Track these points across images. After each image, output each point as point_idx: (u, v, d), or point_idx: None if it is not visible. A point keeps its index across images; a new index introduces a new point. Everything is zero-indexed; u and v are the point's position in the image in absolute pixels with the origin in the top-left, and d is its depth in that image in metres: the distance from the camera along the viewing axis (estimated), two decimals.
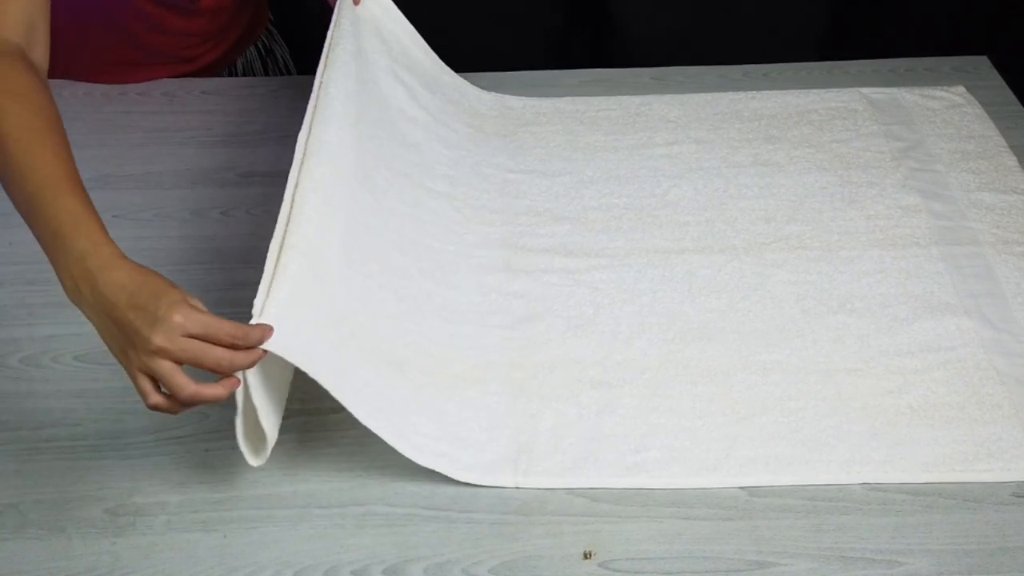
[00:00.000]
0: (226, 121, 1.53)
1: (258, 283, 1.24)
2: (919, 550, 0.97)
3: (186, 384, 0.88)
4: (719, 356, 1.15)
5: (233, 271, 1.27)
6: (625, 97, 1.57)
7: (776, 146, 1.47)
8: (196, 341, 0.88)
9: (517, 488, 1.03)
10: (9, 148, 0.95)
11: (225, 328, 0.89)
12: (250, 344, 0.90)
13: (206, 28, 1.56)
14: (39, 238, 0.95)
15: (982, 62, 1.64)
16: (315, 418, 1.10)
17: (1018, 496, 1.01)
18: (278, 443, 1.07)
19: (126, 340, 0.89)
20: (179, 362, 0.89)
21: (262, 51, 1.71)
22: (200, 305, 0.91)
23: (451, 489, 1.02)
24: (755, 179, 1.40)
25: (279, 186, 1.39)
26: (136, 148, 1.48)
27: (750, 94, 1.57)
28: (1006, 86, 1.58)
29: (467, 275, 1.25)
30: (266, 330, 0.91)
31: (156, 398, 0.90)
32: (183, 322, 0.87)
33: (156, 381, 0.89)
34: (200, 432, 1.09)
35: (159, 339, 0.87)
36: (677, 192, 1.38)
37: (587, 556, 0.97)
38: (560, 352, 1.16)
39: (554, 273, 1.26)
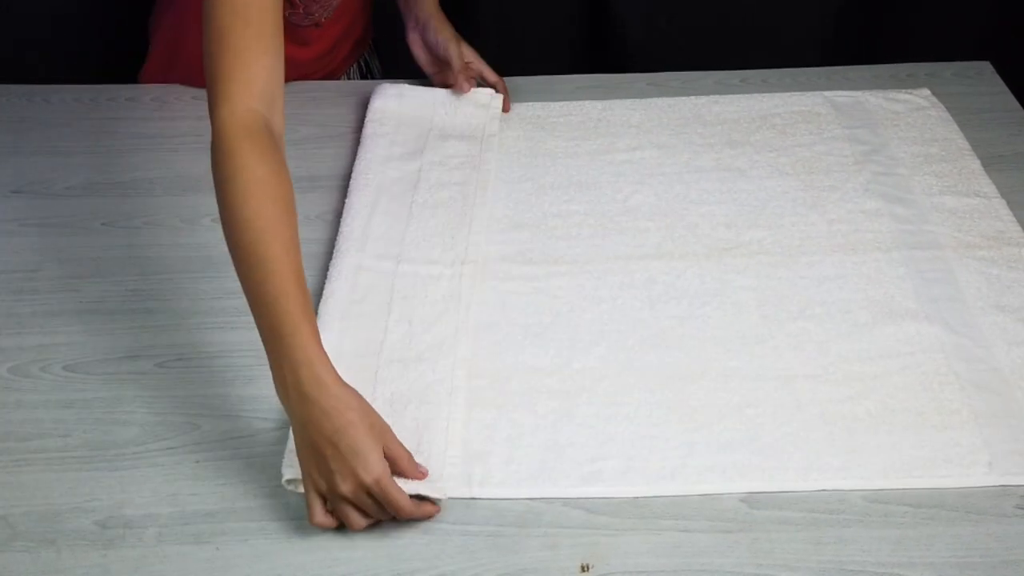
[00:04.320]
0: None
1: None
2: (921, 563, 0.96)
3: (359, 522, 0.97)
4: (678, 363, 1.15)
5: (224, 279, 1.25)
6: (587, 102, 1.56)
7: (738, 151, 1.46)
8: (374, 503, 0.97)
9: (472, 499, 1.02)
10: (248, 235, 1.00)
11: (404, 509, 0.97)
12: (415, 519, 0.99)
13: (321, 48, 1.58)
14: (259, 326, 1.00)
15: (984, 67, 1.63)
16: None
17: (1021, 508, 1.00)
18: (271, 454, 1.06)
19: (315, 462, 0.96)
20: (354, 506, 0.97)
21: (363, 67, 1.71)
22: (396, 446, 0.98)
23: (446, 500, 1.00)
24: (717, 184, 1.40)
25: None
26: (126, 154, 1.47)
27: (713, 98, 1.56)
28: (1008, 91, 1.57)
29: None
30: (432, 511, 1.00)
31: (322, 518, 0.97)
32: (372, 487, 0.95)
33: (325, 502, 0.98)
34: (191, 443, 1.07)
35: (346, 489, 0.95)
36: (638, 198, 1.38)
37: (584, 569, 0.96)
38: (517, 360, 1.15)
39: (512, 280, 1.25)
